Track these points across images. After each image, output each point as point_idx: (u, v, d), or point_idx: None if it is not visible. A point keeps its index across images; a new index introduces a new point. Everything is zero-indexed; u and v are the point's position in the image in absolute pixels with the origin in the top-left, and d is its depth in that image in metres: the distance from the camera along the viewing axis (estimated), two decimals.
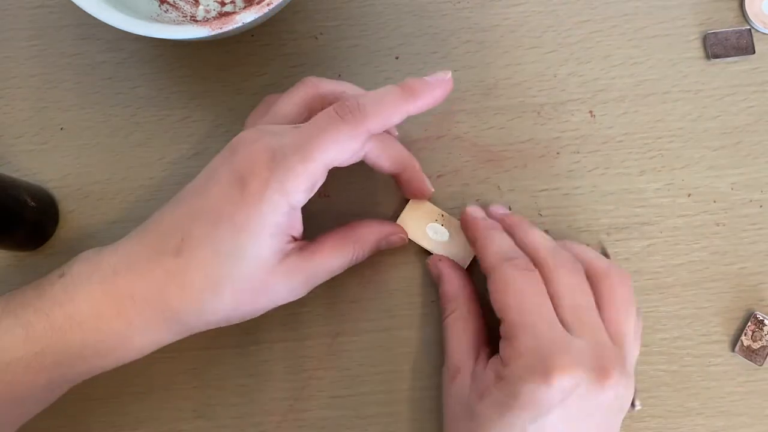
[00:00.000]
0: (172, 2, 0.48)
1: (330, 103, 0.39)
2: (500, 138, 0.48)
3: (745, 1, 0.48)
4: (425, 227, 0.46)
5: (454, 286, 0.44)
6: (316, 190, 0.38)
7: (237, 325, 0.46)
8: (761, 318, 0.46)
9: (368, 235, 0.43)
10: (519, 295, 0.38)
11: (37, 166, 0.48)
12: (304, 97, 0.42)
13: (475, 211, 0.44)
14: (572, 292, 0.39)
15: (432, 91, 0.38)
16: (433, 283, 0.47)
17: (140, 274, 0.37)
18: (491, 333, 0.43)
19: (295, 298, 0.40)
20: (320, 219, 0.47)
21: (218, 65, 0.49)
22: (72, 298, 0.36)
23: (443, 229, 0.45)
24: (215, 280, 0.37)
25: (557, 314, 0.38)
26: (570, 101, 0.48)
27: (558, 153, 0.48)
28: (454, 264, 0.45)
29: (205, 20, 0.46)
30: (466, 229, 0.44)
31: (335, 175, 0.48)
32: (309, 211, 0.47)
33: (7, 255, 0.47)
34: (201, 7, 0.48)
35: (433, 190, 0.45)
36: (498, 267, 0.40)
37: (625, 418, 0.46)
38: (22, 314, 0.36)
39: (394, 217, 0.47)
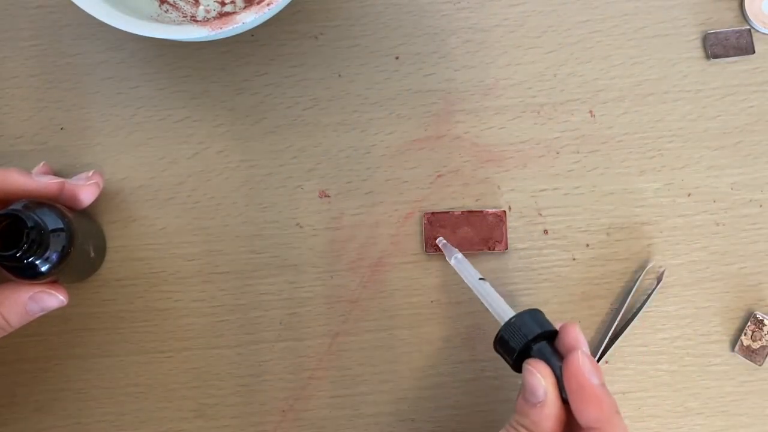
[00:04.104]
0: (172, 2, 0.48)
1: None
2: (500, 138, 0.48)
3: (745, 1, 0.48)
4: None
5: (555, 418, 0.36)
6: None
7: (237, 325, 0.47)
8: (761, 318, 0.46)
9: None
10: None
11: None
12: None
13: (591, 371, 0.36)
14: None
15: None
16: (432, 283, 0.47)
17: None
18: None
19: None
20: (320, 218, 0.47)
21: (218, 65, 0.49)
22: None
23: None
24: None
25: None
26: (570, 101, 0.48)
27: (558, 153, 0.48)
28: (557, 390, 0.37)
29: (205, 20, 0.46)
30: (577, 392, 0.36)
31: (335, 175, 0.48)
32: (309, 211, 0.47)
33: None
34: (201, 7, 0.48)
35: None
36: None
37: (625, 417, 0.46)
38: None
39: (394, 216, 0.47)
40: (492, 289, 0.42)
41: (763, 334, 0.46)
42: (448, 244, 0.46)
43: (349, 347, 0.47)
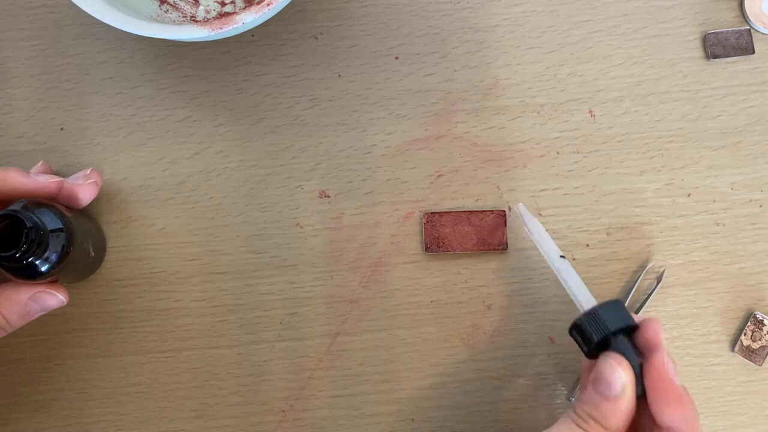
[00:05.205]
0: (172, 2, 0.48)
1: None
2: (500, 138, 0.48)
3: (745, 1, 0.48)
4: None
5: (627, 414, 0.36)
6: None
7: (237, 325, 0.47)
8: (761, 318, 0.46)
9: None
10: None
11: None
12: None
13: (674, 372, 0.37)
14: None
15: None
16: (432, 283, 0.47)
17: None
18: None
19: None
20: (320, 218, 0.47)
21: (218, 65, 0.49)
22: None
23: None
24: None
25: None
26: (570, 101, 0.48)
27: (558, 153, 0.48)
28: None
29: (205, 20, 0.46)
30: (660, 391, 0.36)
31: (335, 175, 0.48)
32: (309, 211, 0.47)
33: None
34: (201, 8, 0.48)
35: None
36: None
37: None
38: None
39: (394, 216, 0.47)
40: (573, 270, 0.42)
41: (762, 334, 0.46)
42: (527, 210, 0.45)
43: (349, 347, 0.47)
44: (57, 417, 0.46)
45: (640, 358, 0.37)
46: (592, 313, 0.39)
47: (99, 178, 0.46)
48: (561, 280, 0.42)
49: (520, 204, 0.46)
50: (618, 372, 0.36)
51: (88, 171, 0.45)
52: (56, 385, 0.46)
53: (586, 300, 0.40)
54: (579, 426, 0.36)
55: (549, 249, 0.43)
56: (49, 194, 0.42)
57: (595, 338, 0.38)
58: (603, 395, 0.36)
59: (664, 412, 0.35)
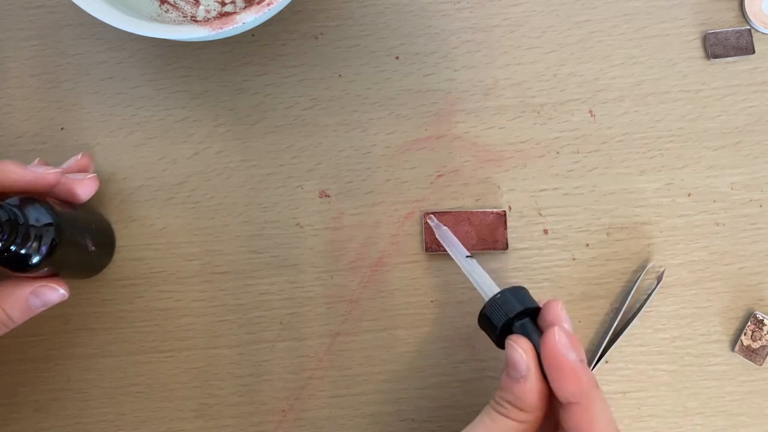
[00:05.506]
0: (172, 2, 0.48)
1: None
2: (500, 138, 0.48)
3: (745, 1, 0.48)
4: None
5: (538, 393, 0.36)
6: None
7: (237, 325, 0.47)
8: (761, 318, 0.46)
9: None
10: None
11: None
12: None
13: (567, 346, 0.36)
14: None
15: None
16: (432, 283, 0.47)
17: None
18: None
19: None
20: (320, 218, 0.47)
21: (218, 65, 0.49)
22: None
23: None
24: None
25: None
26: (570, 101, 0.48)
27: (558, 153, 0.48)
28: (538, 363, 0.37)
29: (206, 20, 0.46)
30: (554, 367, 0.36)
31: (335, 175, 0.48)
32: (309, 211, 0.47)
33: None
34: (201, 7, 0.48)
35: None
36: None
37: (624, 417, 0.46)
38: None
39: (394, 216, 0.47)
40: (479, 267, 0.43)
41: (763, 333, 0.46)
42: (436, 221, 0.46)
43: (349, 347, 0.47)
44: (57, 417, 0.46)
45: None
46: (493, 301, 0.39)
47: (89, 161, 0.46)
48: (470, 278, 0.43)
49: (431, 215, 0.46)
50: (519, 351, 0.37)
51: (80, 156, 0.45)
52: (56, 385, 0.46)
53: (490, 290, 0.41)
54: (498, 413, 0.37)
55: (458, 251, 0.44)
56: (48, 186, 0.42)
57: (499, 324, 0.39)
58: (513, 378, 0.37)
59: (560, 387, 0.35)
